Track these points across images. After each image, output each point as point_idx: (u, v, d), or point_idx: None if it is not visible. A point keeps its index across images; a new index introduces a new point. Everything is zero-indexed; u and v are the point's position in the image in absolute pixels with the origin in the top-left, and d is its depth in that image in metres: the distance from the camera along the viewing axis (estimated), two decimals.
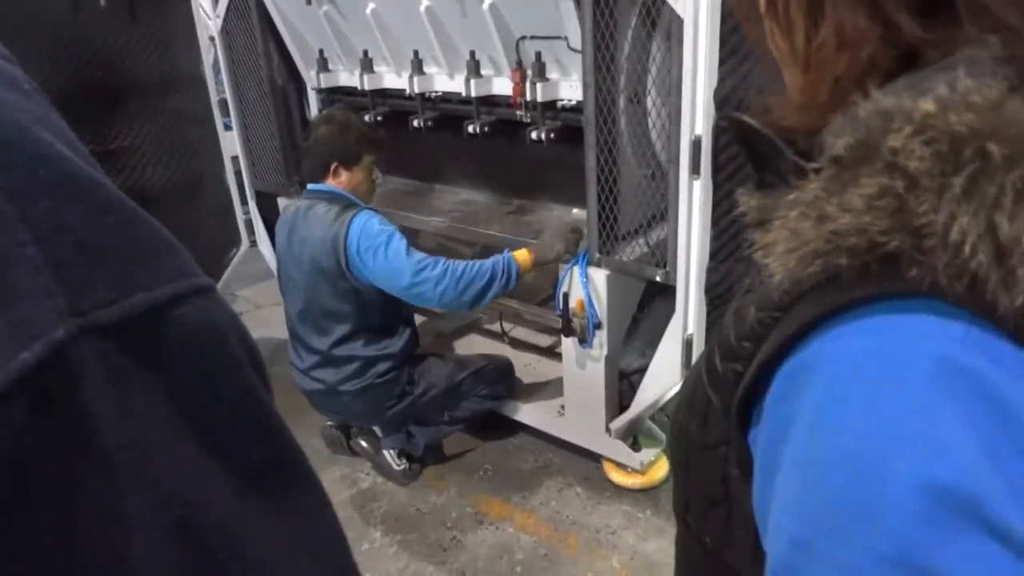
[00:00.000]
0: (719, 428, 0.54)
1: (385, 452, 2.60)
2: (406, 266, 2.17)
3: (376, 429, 2.64)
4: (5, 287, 0.29)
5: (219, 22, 3.01)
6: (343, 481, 2.63)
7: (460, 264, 2.21)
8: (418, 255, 2.21)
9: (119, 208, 0.34)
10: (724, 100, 1.73)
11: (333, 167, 2.37)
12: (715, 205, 1.89)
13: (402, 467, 2.59)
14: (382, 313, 2.39)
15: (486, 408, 2.64)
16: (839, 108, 0.49)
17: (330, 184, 2.38)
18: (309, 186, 2.43)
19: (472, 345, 3.15)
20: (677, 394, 0.64)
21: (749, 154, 0.55)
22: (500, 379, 2.64)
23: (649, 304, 2.47)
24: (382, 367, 2.41)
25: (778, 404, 0.44)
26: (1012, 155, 0.36)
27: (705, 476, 0.58)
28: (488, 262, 2.23)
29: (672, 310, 2.14)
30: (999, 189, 0.36)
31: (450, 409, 2.57)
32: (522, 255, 2.26)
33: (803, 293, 0.43)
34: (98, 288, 0.32)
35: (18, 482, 0.28)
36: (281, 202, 3.22)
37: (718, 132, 1.78)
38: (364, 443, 2.66)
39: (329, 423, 2.68)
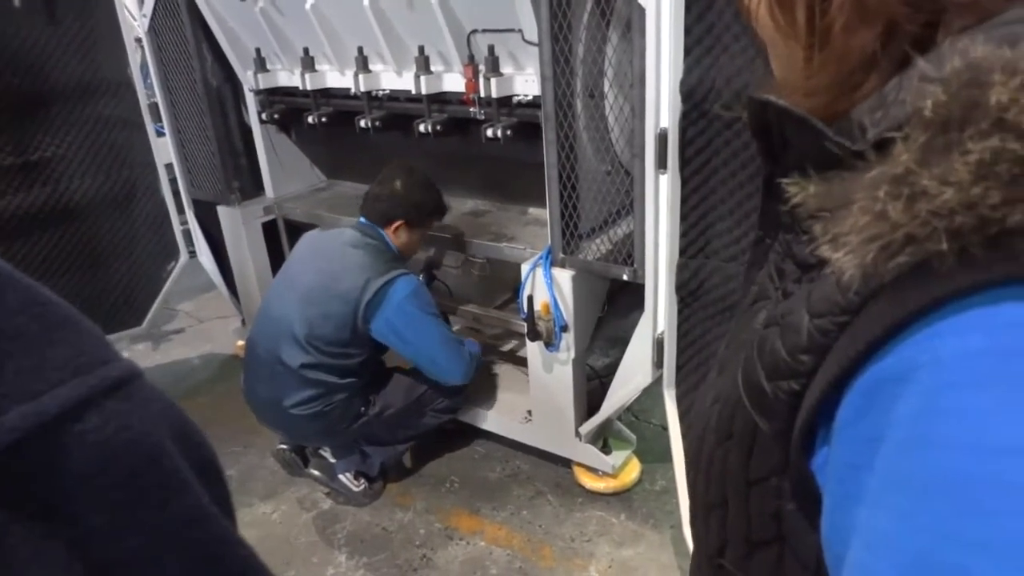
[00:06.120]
0: (770, 458, 0.47)
1: (340, 476, 2.47)
2: (454, 361, 2.33)
3: (326, 453, 2.51)
4: None
5: (146, 21, 2.83)
6: (302, 504, 2.49)
7: (476, 348, 2.48)
8: (456, 339, 2.40)
9: None
10: (691, 91, 1.66)
11: (397, 224, 2.31)
12: (683, 200, 1.82)
13: (361, 487, 2.47)
14: (364, 359, 2.32)
15: (441, 422, 2.55)
16: (850, 91, 0.43)
17: (386, 234, 2.33)
18: (363, 220, 2.35)
19: None
20: (695, 424, 0.55)
21: (763, 142, 0.49)
22: (455, 391, 2.54)
23: (609, 302, 2.41)
24: (340, 396, 2.29)
25: (855, 423, 0.36)
26: None
27: (750, 514, 0.50)
28: (476, 344, 2.52)
29: (634, 307, 2.08)
30: None
31: (406, 428, 2.46)
32: None
33: (876, 291, 0.36)
34: None
35: None
36: (221, 210, 3.06)
37: (685, 124, 1.72)
38: (317, 472, 2.52)
39: (282, 445, 2.51)
